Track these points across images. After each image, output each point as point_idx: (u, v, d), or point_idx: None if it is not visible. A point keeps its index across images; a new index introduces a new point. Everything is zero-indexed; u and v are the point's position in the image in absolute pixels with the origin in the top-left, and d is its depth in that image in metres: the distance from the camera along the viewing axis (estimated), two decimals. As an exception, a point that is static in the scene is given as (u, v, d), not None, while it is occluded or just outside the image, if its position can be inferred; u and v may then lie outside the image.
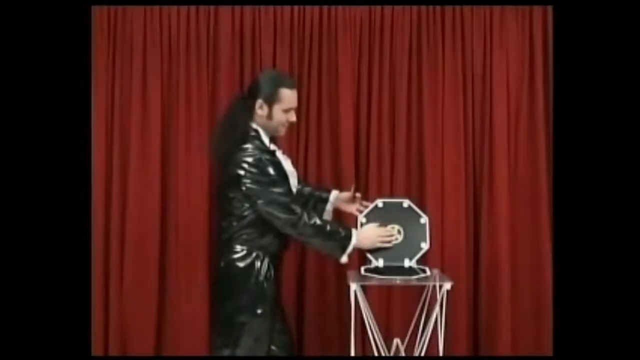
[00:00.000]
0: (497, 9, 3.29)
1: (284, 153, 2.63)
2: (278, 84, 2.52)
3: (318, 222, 2.45)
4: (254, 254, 2.44)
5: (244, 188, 2.40)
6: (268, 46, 3.23)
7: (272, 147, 2.53)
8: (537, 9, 3.29)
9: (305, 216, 2.42)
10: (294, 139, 3.22)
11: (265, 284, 2.44)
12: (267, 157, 2.43)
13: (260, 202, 2.40)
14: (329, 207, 2.75)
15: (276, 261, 2.52)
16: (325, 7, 3.25)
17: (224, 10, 3.25)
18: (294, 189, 2.56)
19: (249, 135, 2.46)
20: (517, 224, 3.26)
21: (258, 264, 2.44)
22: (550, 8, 3.22)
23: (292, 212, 2.41)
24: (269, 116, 2.50)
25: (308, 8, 3.25)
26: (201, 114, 3.22)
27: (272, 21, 3.24)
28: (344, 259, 2.50)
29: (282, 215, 2.40)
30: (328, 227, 2.46)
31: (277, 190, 2.41)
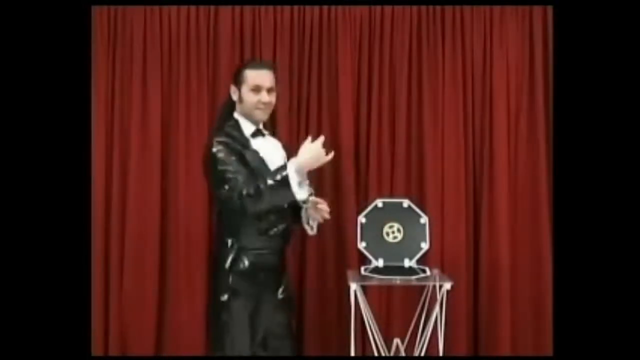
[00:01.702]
0: (497, 9, 3.29)
1: (275, 137, 2.62)
2: (244, 66, 2.57)
3: (257, 189, 2.29)
4: (229, 243, 2.44)
5: (208, 179, 2.46)
6: (268, 46, 3.23)
7: (253, 134, 2.51)
8: (537, 9, 3.29)
9: (251, 196, 2.29)
10: (294, 139, 3.22)
11: (230, 275, 2.42)
12: (235, 146, 2.40)
13: (217, 192, 2.38)
14: (303, 213, 2.59)
15: (249, 253, 2.45)
16: (325, 7, 3.26)
17: (224, 10, 3.25)
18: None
19: (225, 126, 2.49)
20: (517, 224, 3.27)
21: (225, 251, 2.44)
22: (550, 8, 3.22)
23: (241, 196, 2.30)
24: (240, 99, 2.52)
25: (308, 8, 3.25)
26: (201, 114, 3.23)
27: (272, 21, 3.25)
28: (301, 196, 2.31)
29: (237, 203, 2.31)
30: (269, 185, 2.30)
31: (231, 177, 2.33)
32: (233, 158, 2.37)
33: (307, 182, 2.34)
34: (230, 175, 2.33)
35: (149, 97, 3.23)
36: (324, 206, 2.43)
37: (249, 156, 2.42)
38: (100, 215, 3.18)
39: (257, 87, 2.50)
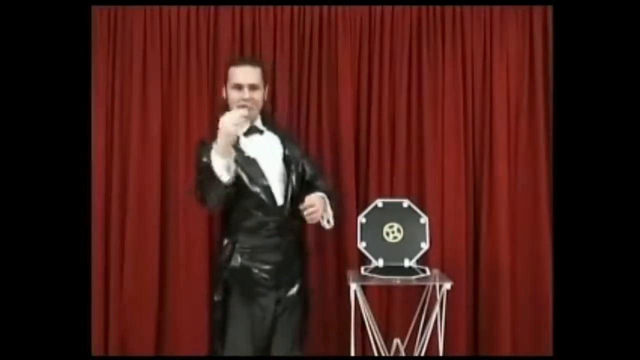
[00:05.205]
0: (497, 9, 3.29)
1: (279, 132, 2.63)
2: (228, 64, 2.59)
3: (195, 180, 2.50)
4: (225, 242, 2.52)
5: None
6: (268, 46, 3.23)
7: (246, 133, 2.53)
8: (537, 9, 3.29)
9: (196, 190, 2.47)
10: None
11: (224, 274, 2.48)
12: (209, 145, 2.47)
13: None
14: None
15: (243, 252, 2.47)
16: (325, 7, 3.26)
17: (224, 10, 3.25)
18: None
19: None
20: (517, 224, 3.27)
21: (221, 250, 2.51)
22: (550, 8, 3.22)
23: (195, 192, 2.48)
24: (227, 98, 2.55)
25: (308, 8, 3.25)
26: (201, 114, 3.22)
27: (272, 21, 3.24)
28: (225, 179, 2.34)
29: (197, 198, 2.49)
30: (199, 178, 2.45)
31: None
32: (204, 158, 2.39)
33: (233, 165, 2.36)
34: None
35: (149, 97, 3.23)
36: (311, 211, 2.37)
37: (235, 157, 2.42)
38: (100, 215, 3.18)
39: (238, 85, 2.50)
